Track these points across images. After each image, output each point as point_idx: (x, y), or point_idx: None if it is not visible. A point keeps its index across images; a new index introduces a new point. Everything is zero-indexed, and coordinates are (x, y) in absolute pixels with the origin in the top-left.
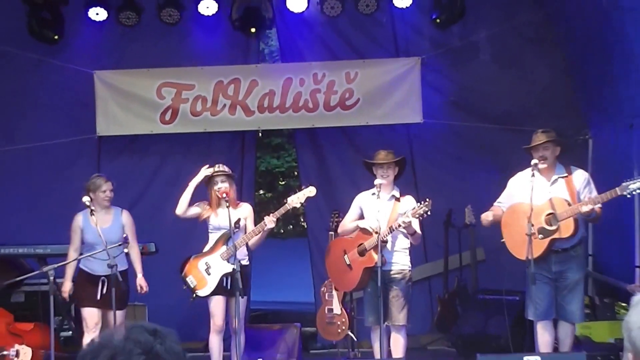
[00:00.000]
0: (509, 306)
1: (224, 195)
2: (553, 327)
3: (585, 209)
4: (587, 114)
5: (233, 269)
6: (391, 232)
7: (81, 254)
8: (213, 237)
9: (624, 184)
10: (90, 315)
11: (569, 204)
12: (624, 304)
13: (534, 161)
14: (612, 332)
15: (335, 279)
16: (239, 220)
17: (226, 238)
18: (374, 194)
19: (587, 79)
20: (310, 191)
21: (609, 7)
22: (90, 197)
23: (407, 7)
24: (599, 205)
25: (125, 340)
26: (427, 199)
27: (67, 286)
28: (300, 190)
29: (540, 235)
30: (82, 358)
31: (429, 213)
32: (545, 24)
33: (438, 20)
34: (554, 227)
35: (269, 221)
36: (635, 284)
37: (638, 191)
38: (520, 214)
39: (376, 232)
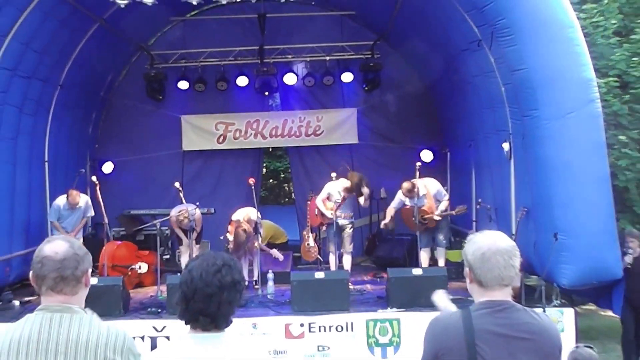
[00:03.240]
0: (404, 242)
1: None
2: (430, 253)
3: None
4: (445, 138)
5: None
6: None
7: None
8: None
9: (458, 207)
10: (184, 248)
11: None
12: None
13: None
14: (460, 256)
15: (311, 218)
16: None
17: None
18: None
19: (447, 118)
20: None
21: (461, 84)
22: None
23: (349, 82)
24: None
25: (215, 254)
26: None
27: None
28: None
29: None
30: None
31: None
32: (424, 89)
33: (366, 88)
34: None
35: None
36: (472, 230)
37: (462, 212)
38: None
39: (336, 209)
